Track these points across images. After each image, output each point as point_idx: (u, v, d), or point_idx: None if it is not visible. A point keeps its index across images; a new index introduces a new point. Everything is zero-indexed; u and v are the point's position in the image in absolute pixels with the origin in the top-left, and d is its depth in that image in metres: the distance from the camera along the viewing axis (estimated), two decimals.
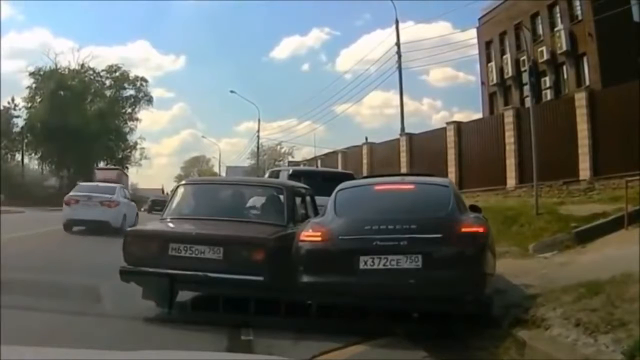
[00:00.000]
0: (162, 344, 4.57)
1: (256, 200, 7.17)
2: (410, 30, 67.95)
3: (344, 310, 5.31)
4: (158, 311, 5.91)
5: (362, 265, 5.33)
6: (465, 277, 5.24)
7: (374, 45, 53.97)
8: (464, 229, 5.47)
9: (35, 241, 13.52)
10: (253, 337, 5.15)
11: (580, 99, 16.15)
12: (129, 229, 6.56)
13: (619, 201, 11.34)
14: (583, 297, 5.19)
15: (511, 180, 18.11)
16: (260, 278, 5.60)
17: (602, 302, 4.86)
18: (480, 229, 5.59)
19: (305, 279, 5.51)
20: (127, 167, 56.14)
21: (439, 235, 5.40)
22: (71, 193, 17.37)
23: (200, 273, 5.74)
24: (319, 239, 5.64)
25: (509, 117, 18.59)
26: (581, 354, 4.06)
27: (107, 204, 16.31)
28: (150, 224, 7.72)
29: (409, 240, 5.34)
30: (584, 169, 15.68)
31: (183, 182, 8.74)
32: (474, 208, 6.62)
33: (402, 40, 27.82)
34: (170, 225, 6.72)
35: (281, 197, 6.88)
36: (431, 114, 74.63)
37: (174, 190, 7.50)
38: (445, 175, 18.48)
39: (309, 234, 5.72)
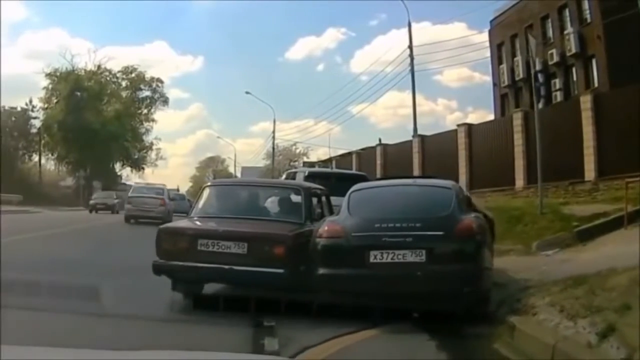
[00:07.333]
0: (174, 339, 4.94)
1: (276, 201, 7.73)
2: (427, 31, 67.80)
3: (355, 300, 5.92)
4: (170, 309, 6.39)
5: (372, 259, 5.91)
6: (464, 270, 5.80)
7: (390, 45, 53.87)
8: (463, 227, 6.04)
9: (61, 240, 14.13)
10: (275, 323, 5.65)
11: (586, 102, 16.38)
12: (160, 226, 7.17)
13: (621, 201, 11.58)
14: (569, 288, 5.75)
15: (519, 181, 18.35)
16: (281, 270, 6.19)
17: (584, 291, 5.39)
18: (478, 227, 6.16)
19: (322, 271, 6.12)
20: (143, 168, 56.93)
21: (440, 233, 5.98)
22: (130, 194, 24.27)
23: (226, 266, 6.33)
24: (334, 235, 6.24)
25: (517, 120, 18.86)
26: (562, 335, 4.64)
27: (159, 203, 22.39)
28: (180, 222, 8.38)
29: (414, 237, 5.91)
30: (589, 170, 15.94)
31: (208, 183, 9.27)
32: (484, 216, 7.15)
33: (419, 41, 28.28)
34: (198, 223, 7.30)
35: (299, 197, 7.45)
36: (445, 115, 74.64)
37: (200, 191, 8.13)
38: (457, 175, 18.94)
39: (325, 231, 6.33)
